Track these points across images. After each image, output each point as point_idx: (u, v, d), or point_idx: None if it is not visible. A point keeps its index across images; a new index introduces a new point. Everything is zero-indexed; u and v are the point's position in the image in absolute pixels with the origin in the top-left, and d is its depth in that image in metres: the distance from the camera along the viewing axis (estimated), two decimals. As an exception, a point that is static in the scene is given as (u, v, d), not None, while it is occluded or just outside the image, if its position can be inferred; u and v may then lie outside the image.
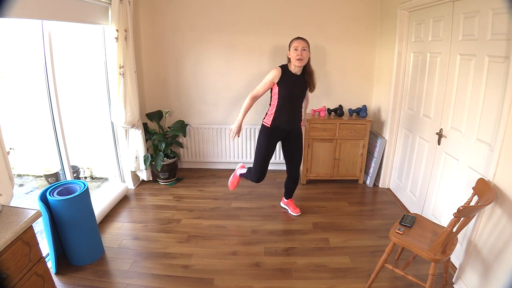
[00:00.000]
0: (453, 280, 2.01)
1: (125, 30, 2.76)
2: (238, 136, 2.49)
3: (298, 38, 2.33)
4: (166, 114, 3.53)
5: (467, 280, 1.89)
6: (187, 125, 3.62)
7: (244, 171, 2.80)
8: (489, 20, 1.80)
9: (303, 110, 2.59)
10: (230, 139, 2.56)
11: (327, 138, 3.28)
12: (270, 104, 2.46)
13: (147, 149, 3.36)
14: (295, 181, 2.74)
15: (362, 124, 3.22)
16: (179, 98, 3.64)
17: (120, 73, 2.77)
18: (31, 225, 1.40)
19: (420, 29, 2.63)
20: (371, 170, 3.40)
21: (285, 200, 2.90)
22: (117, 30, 2.66)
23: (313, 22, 3.33)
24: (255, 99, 2.43)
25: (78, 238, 2.10)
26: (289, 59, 2.36)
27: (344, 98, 3.58)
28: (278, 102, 2.38)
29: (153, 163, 3.29)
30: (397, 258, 2.21)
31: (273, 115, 2.42)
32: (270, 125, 2.43)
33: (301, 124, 2.60)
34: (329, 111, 3.42)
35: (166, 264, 2.20)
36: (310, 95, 2.61)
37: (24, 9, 1.89)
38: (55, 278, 2.01)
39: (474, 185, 1.77)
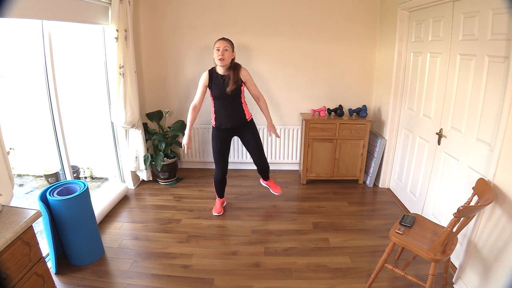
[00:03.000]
0: (453, 280, 2.01)
1: (125, 30, 2.76)
2: (188, 149, 2.57)
3: (221, 39, 2.38)
4: (166, 114, 3.53)
5: (467, 280, 1.89)
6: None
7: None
8: (489, 20, 1.80)
9: (263, 112, 2.64)
10: (185, 152, 2.66)
11: (327, 138, 3.28)
12: (211, 106, 2.55)
13: (147, 149, 3.36)
14: (263, 169, 2.77)
15: (362, 124, 3.22)
16: (179, 98, 3.64)
17: (120, 73, 2.77)
18: (31, 225, 1.40)
19: (420, 29, 2.63)
20: (371, 170, 3.40)
21: (265, 181, 2.96)
22: (117, 30, 2.66)
23: (313, 22, 3.33)
24: (195, 109, 2.52)
25: (78, 238, 2.10)
26: None
27: (344, 98, 3.58)
28: (214, 103, 2.51)
29: (153, 163, 3.30)
30: (397, 258, 2.21)
31: (214, 115, 2.54)
32: (215, 125, 2.56)
33: (268, 129, 2.68)
34: (329, 111, 3.42)
35: (166, 264, 2.20)
36: (263, 98, 2.60)
37: (24, 9, 1.89)
38: (55, 278, 2.01)
39: (474, 185, 1.77)
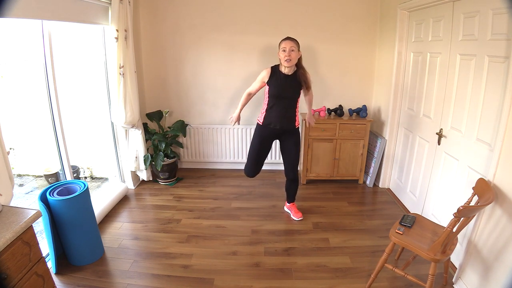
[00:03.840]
0: (453, 280, 2.00)
1: (125, 30, 2.76)
2: (238, 124, 2.67)
3: (287, 38, 2.33)
4: (166, 114, 3.53)
5: (467, 280, 1.89)
6: (187, 125, 3.62)
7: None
8: (489, 20, 1.80)
9: (307, 105, 2.64)
10: (231, 125, 2.68)
11: (327, 138, 3.28)
12: (263, 103, 2.51)
13: (147, 149, 3.36)
14: (292, 182, 2.69)
15: (362, 124, 3.22)
16: (179, 98, 3.64)
17: (120, 73, 2.77)
18: (31, 225, 1.40)
19: (420, 29, 2.63)
20: (371, 170, 3.40)
21: (288, 204, 2.85)
22: (117, 30, 2.66)
23: (313, 22, 3.33)
24: (250, 95, 2.55)
25: (78, 238, 2.10)
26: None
27: (344, 98, 3.58)
28: (269, 101, 2.44)
29: (153, 163, 3.30)
30: (397, 258, 2.21)
31: (264, 113, 2.48)
32: (262, 123, 2.50)
33: (307, 119, 2.69)
34: (329, 111, 3.42)
35: (166, 264, 2.20)
36: (312, 93, 2.59)
37: (24, 9, 1.89)
38: (55, 278, 2.01)
39: (474, 185, 1.77)
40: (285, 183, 2.77)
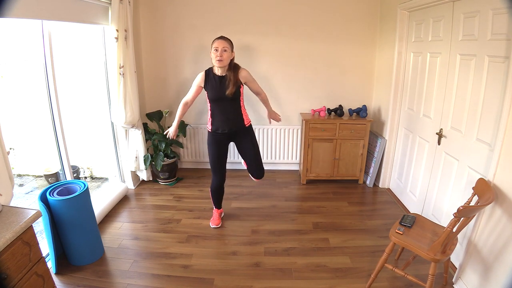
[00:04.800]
0: (453, 280, 2.01)
1: (125, 30, 2.76)
2: (174, 138, 2.55)
3: (220, 37, 2.23)
4: (166, 114, 3.53)
5: (467, 280, 1.89)
6: (187, 125, 3.62)
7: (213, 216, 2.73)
8: (489, 20, 1.80)
9: (264, 103, 2.56)
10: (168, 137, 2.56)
11: (327, 138, 3.28)
12: (208, 109, 2.41)
13: (147, 149, 3.36)
14: (259, 177, 2.57)
15: (362, 124, 3.22)
16: (179, 98, 3.60)
17: (120, 73, 2.77)
18: (31, 225, 1.40)
19: (420, 29, 2.63)
20: (371, 170, 3.40)
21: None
22: (117, 30, 2.66)
23: (313, 22, 3.33)
24: (187, 105, 2.46)
25: (78, 238, 2.10)
26: None
27: (344, 98, 3.58)
28: (210, 106, 2.36)
29: (153, 163, 3.30)
30: (397, 258, 2.21)
31: (210, 119, 2.39)
32: (211, 130, 2.42)
33: (268, 117, 2.59)
34: (329, 111, 3.42)
35: (166, 264, 2.20)
36: (262, 91, 2.49)
37: (24, 9, 1.89)
38: (55, 278, 2.01)
39: (474, 185, 1.77)
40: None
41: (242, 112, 2.40)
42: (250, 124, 2.48)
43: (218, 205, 2.71)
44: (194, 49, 3.45)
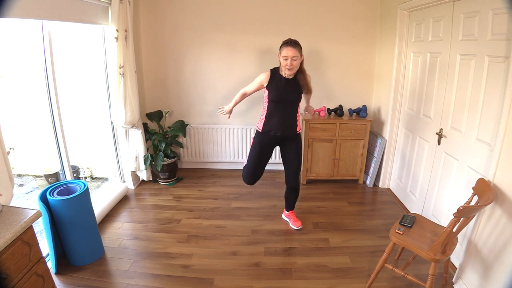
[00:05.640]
0: (453, 280, 2.01)
1: (125, 30, 2.76)
2: (229, 117, 2.60)
3: (289, 44, 2.16)
4: (166, 114, 3.53)
5: (467, 280, 1.89)
6: (187, 125, 3.62)
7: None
8: (489, 20, 1.80)
9: (306, 101, 2.57)
10: (220, 114, 2.62)
11: (327, 138, 3.28)
12: (262, 108, 2.38)
13: (147, 149, 3.36)
14: (293, 190, 2.57)
15: (362, 124, 3.22)
16: (179, 98, 3.64)
17: (120, 73, 2.77)
18: (31, 225, 1.40)
19: (420, 29, 2.63)
20: (371, 170, 3.40)
21: (286, 212, 2.72)
22: (117, 30, 2.66)
23: (313, 22, 3.33)
24: (244, 95, 2.48)
25: (78, 238, 2.10)
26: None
27: (344, 98, 3.58)
28: (268, 106, 2.32)
29: (153, 163, 3.30)
30: (397, 258, 2.21)
31: (264, 119, 2.34)
32: (262, 130, 2.37)
33: (305, 110, 2.58)
34: (329, 111, 3.42)
35: (166, 264, 2.20)
36: (312, 91, 2.48)
37: (24, 9, 1.89)
38: (55, 278, 2.01)
39: (474, 185, 1.77)
40: (285, 188, 2.63)
41: (298, 117, 2.38)
42: (300, 131, 2.44)
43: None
44: (194, 49, 3.45)
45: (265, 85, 2.31)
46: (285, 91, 2.25)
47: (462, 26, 2.06)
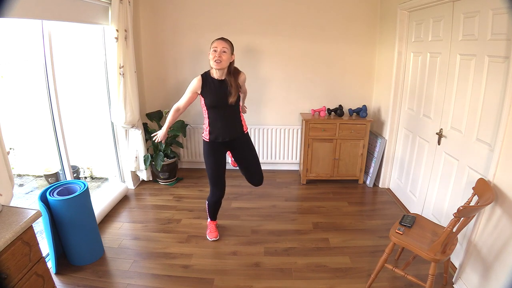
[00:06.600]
0: (453, 280, 2.01)
1: (125, 30, 2.76)
2: (162, 142, 2.44)
3: (219, 38, 2.08)
4: (166, 114, 3.53)
5: (467, 280, 1.89)
6: (187, 125, 3.62)
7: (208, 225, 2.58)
8: (489, 20, 1.80)
9: (241, 101, 2.36)
10: (155, 141, 2.36)
11: (327, 138, 3.28)
12: (204, 117, 2.24)
13: (147, 149, 3.36)
14: (259, 184, 2.46)
15: (362, 124, 3.22)
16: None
17: (120, 73, 2.77)
18: (31, 225, 1.40)
19: (420, 29, 2.63)
20: (371, 170, 3.40)
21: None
22: (117, 30, 2.66)
23: (313, 22, 3.33)
24: (178, 111, 2.24)
25: (78, 238, 2.10)
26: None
27: (344, 98, 3.58)
28: (208, 113, 2.18)
29: (153, 163, 3.30)
30: (397, 258, 2.21)
31: (208, 128, 2.20)
32: (209, 139, 2.22)
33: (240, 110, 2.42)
34: (329, 111, 3.42)
35: (166, 264, 2.20)
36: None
37: (24, 9, 1.89)
38: (55, 278, 2.01)
39: (474, 185, 1.77)
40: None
41: (242, 118, 2.29)
42: (247, 131, 2.37)
43: (214, 217, 2.55)
44: (194, 49, 3.45)
45: (199, 92, 2.15)
46: (221, 94, 2.11)
47: (462, 26, 2.06)
